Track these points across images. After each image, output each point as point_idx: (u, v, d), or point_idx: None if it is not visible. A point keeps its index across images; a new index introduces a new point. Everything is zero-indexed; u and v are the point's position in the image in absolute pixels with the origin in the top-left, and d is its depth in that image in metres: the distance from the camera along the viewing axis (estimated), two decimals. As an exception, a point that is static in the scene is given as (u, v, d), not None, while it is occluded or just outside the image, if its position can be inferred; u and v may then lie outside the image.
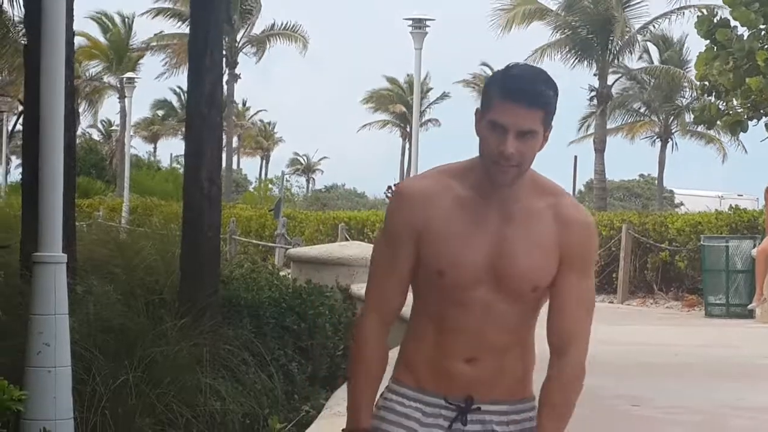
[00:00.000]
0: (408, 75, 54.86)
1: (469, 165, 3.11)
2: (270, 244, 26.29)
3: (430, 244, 3.05)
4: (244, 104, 63.83)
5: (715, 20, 19.94)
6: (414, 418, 3.10)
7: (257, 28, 49.24)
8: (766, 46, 18.52)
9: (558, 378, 3.07)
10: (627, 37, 39.06)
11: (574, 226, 3.07)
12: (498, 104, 2.92)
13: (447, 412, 3.09)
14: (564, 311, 3.06)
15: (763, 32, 18.95)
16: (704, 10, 21.18)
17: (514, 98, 2.89)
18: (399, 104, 68.62)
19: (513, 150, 2.88)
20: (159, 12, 47.86)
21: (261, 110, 68.86)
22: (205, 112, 10.28)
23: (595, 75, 41.66)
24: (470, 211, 3.07)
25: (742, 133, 20.69)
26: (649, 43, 43.14)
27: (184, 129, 12.14)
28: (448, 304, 3.05)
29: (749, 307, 15.07)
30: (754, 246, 15.68)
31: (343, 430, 3.20)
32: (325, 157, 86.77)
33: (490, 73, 42.50)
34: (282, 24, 49.93)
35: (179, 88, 52.05)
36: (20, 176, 10.08)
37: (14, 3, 11.02)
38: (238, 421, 7.84)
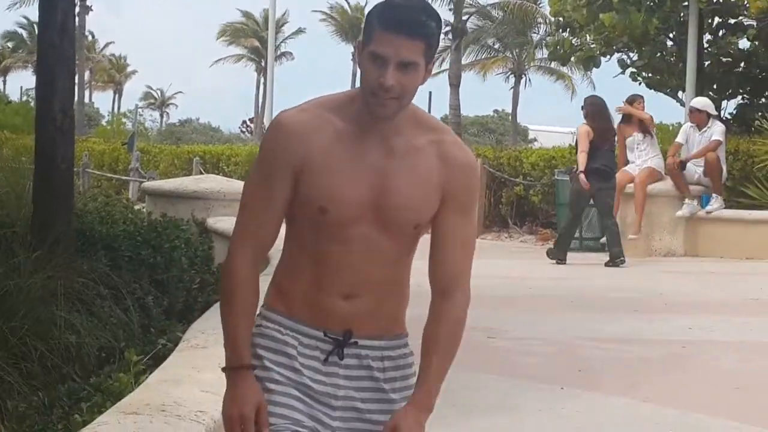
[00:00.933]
0: (264, 10, 53.25)
1: (348, 98, 3.12)
2: (124, 178, 25.91)
3: (311, 179, 3.04)
4: (92, 36, 62.83)
5: None
6: (292, 345, 3.12)
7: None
8: None
9: (445, 319, 3.11)
10: None
11: (457, 165, 3.10)
12: (378, 35, 2.91)
13: (324, 345, 3.12)
14: (447, 252, 3.11)
15: None
16: None
17: (395, 29, 2.89)
18: (253, 38, 67.85)
19: (393, 82, 2.88)
20: None
21: (110, 42, 68.92)
22: (57, 42, 10.01)
23: (450, 10, 42.26)
24: (351, 146, 3.07)
25: (595, 68, 20.99)
26: None
27: (35, 61, 11.78)
28: (328, 240, 3.06)
29: (602, 240, 15.12)
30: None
31: (223, 368, 3.17)
32: (179, 92, 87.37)
33: (346, 5, 42.62)
34: None
35: (27, 19, 50.83)
36: None
37: None
38: (93, 354, 7.55)
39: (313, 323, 3.13)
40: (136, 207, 14.21)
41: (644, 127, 15.14)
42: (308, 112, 3.11)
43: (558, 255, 14.48)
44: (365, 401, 3.16)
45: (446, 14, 42.06)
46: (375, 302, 3.10)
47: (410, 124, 3.09)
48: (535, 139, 40.81)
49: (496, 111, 65.65)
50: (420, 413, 3.07)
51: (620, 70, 19.93)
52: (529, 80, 47.77)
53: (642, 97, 15.99)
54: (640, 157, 15.21)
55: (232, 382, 3.11)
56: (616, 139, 15.06)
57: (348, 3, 45.62)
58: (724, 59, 19.73)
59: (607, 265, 13.81)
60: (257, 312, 3.24)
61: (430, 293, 3.14)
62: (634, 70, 19.80)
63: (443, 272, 3.11)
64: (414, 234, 3.09)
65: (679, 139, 15.42)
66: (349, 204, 3.01)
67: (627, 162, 15.30)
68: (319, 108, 3.13)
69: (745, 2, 17.31)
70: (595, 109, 14.58)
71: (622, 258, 13.70)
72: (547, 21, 26.80)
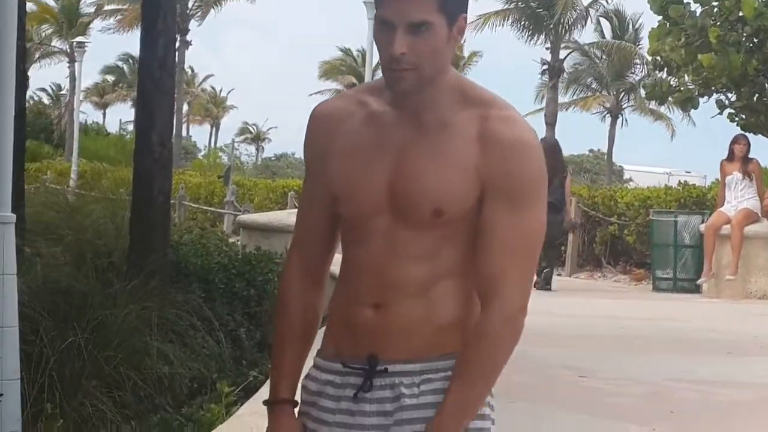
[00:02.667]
0: (362, 47, 54.04)
1: (387, 80, 2.74)
2: (219, 211, 26.34)
3: (329, 168, 2.75)
4: (192, 71, 65.39)
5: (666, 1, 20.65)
6: (328, 386, 2.76)
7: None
8: (717, 23, 18.50)
9: (476, 334, 2.67)
10: (578, 11, 39.41)
11: (500, 144, 2.62)
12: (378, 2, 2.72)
13: (354, 379, 2.73)
14: (485, 251, 2.64)
15: (715, 9, 18.89)
16: None
17: None
18: (350, 75, 69.35)
19: (403, 49, 2.53)
20: None
21: (210, 75, 71.48)
22: (157, 76, 10.24)
23: (547, 49, 42.10)
24: (379, 128, 2.74)
25: (692, 109, 20.80)
26: (602, 18, 43.67)
27: (135, 95, 12.12)
28: (351, 238, 2.78)
29: (698, 282, 15.15)
30: (702, 221, 15.69)
31: (264, 401, 2.90)
32: (274, 127, 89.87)
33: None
34: None
35: (128, 55, 53.29)
36: None
37: None
38: (185, 384, 7.86)
39: (340, 352, 2.78)
40: (231, 240, 14.45)
41: (746, 168, 14.97)
42: (344, 98, 2.98)
43: (542, 286, 14.71)
44: (389, 429, 2.68)
45: (543, 53, 42.58)
46: (408, 313, 2.68)
47: (452, 99, 2.70)
48: (631, 179, 39.30)
49: (591, 150, 66.16)
50: None
51: (718, 112, 19.53)
52: (626, 120, 48.06)
53: (746, 137, 15.81)
54: (737, 198, 15.05)
55: (269, 416, 2.84)
56: (566, 176, 15.24)
57: None
58: None
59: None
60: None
61: None
62: (732, 110, 19.43)
63: (480, 276, 2.66)
64: (437, 224, 2.63)
65: None
66: (360, 193, 2.68)
67: (724, 200, 15.24)
68: (360, 91, 2.99)
69: None
70: (546, 147, 15.19)
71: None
72: (645, 61, 26.59)
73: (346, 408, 2.68)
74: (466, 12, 2.67)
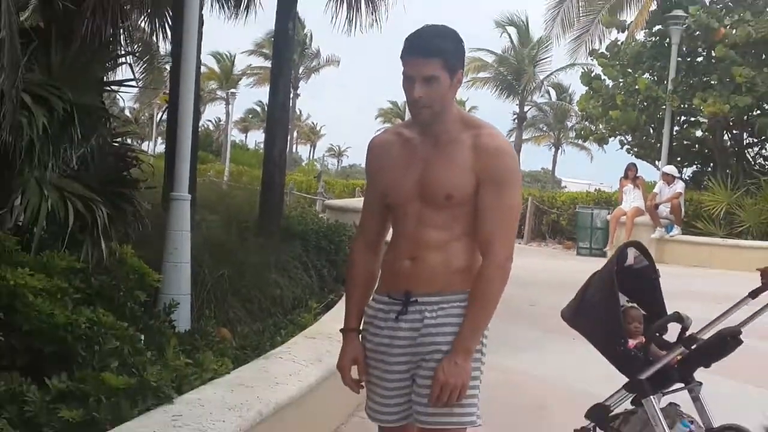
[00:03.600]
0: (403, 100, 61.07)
1: (412, 114, 3.43)
2: (313, 197, 29.59)
3: (380, 178, 3.49)
4: (299, 112, 77.04)
5: (592, 75, 25.27)
6: (379, 313, 3.53)
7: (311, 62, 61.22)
8: (622, 92, 23.32)
9: (479, 276, 3.32)
10: (535, 83, 50.65)
11: (486, 150, 3.32)
12: (404, 60, 3.26)
13: (395, 306, 3.44)
14: (482, 221, 3.32)
15: (621, 83, 23.87)
16: (585, 68, 27.16)
17: (413, 52, 3.24)
18: (398, 118, 74.45)
19: (420, 94, 3.22)
20: (252, 52, 61.10)
21: (310, 115, 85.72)
22: (278, 116, 12.24)
23: (516, 105, 51.64)
24: (411, 146, 3.43)
25: (605, 145, 26.36)
26: (550, 87, 54.39)
27: (265, 126, 15.10)
28: (395, 218, 3.49)
29: (604, 249, 19.28)
30: (609, 213, 20.16)
31: (340, 329, 3.63)
32: (349, 147, 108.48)
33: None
34: (326, 58, 63.20)
35: (261, 101, 65.47)
36: (164, 148, 12.13)
37: (165, 40, 12.63)
38: (289, 301, 8.92)
39: (389, 290, 3.48)
40: (320, 215, 15.81)
41: (635, 182, 19.73)
42: (388, 132, 3.64)
43: None
44: (418, 340, 3.44)
45: (515, 107, 51.43)
46: (432, 263, 3.39)
47: (457, 124, 3.39)
48: (566, 187, 47.30)
49: (542, 168, 76.50)
50: (457, 355, 3.26)
51: (620, 147, 24.92)
52: (564, 150, 60.23)
53: (635, 165, 20.81)
54: (629, 200, 19.68)
55: (343, 339, 3.58)
56: None
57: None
58: (685, 142, 24.34)
59: None
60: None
61: None
62: (628, 147, 24.72)
63: (479, 238, 3.33)
64: (449, 205, 3.36)
65: (656, 190, 19.16)
66: (400, 189, 3.41)
67: (622, 201, 19.91)
68: (398, 126, 3.63)
69: (701, 107, 20.83)
70: None
71: None
72: (576, 114, 33.37)
73: (390, 326, 3.43)
74: (462, 68, 3.34)
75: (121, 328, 5.46)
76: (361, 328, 3.54)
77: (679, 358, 4.86)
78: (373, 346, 3.46)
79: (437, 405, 3.24)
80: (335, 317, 7.38)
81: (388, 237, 3.63)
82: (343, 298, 4.28)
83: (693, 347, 4.82)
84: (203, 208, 10.23)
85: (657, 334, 4.96)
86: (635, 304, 5.10)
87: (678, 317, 4.87)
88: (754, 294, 4.97)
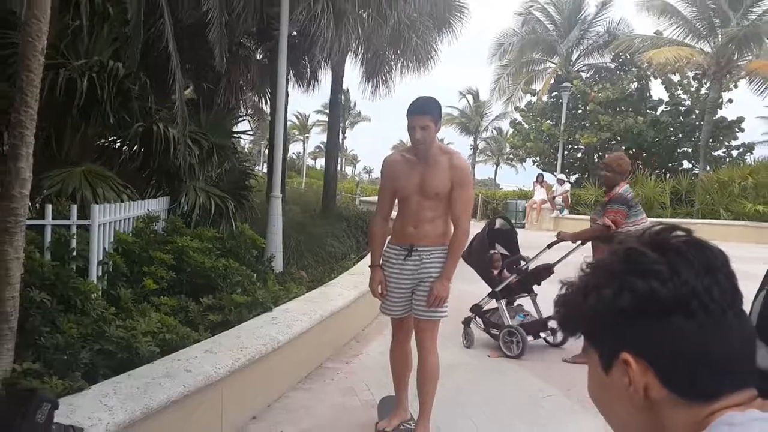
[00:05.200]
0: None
1: (413, 146, 3.41)
2: (354, 196, 28.74)
3: (393, 182, 3.49)
4: (346, 147, 74.35)
5: (516, 121, 25.32)
6: (393, 254, 3.50)
7: (353, 118, 57.90)
8: (533, 133, 23.62)
9: (454, 237, 3.39)
10: (482, 126, 48.18)
11: (456, 168, 3.35)
12: (410, 116, 3.29)
13: (404, 251, 3.46)
14: (454, 206, 3.37)
15: (533, 126, 23.98)
16: (512, 117, 26.86)
17: (413, 111, 3.28)
18: (404, 150, 75.90)
19: (419, 136, 3.27)
20: (318, 111, 55.43)
21: (352, 149, 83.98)
22: (332, 149, 12.46)
23: (472, 139, 48.60)
24: (411, 164, 3.43)
25: (524, 162, 26.33)
26: (492, 129, 50.69)
27: (325, 155, 15.41)
28: (402, 204, 3.50)
29: (523, 222, 18.47)
30: (525, 202, 19.78)
31: (369, 266, 3.61)
32: (375, 167, 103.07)
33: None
34: (362, 116, 59.85)
35: (323, 142, 61.64)
36: (266, 169, 11.48)
37: (266, 105, 12.91)
38: (339, 255, 8.79)
39: (399, 242, 3.49)
40: (358, 206, 15.76)
41: (542, 184, 19.15)
42: (396, 154, 3.58)
43: None
44: (417, 270, 3.44)
45: (471, 141, 48.25)
46: (426, 229, 3.43)
47: (438, 151, 3.39)
48: (502, 187, 44.99)
49: (488, 177, 70.58)
50: (443, 279, 3.34)
51: (533, 164, 24.84)
52: (501, 166, 56.57)
53: (542, 174, 20.28)
54: (538, 195, 19.18)
55: (371, 271, 3.57)
56: None
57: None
58: (571, 160, 24.13)
59: None
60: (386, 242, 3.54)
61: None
62: (538, 163, 24.41)
63: (453, 215, 3.40)
64: (436, 198, 3.37)
65: (554, 188, 18.84)
66: (406, 187, 3.43)
67: (534, 195, 19.39)
68: (402, 151, 3.57)
69: (580, 140, 21.63)
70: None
71: None
72: (508, 145, 32.53)
73: (400, 263, 3.44)
74: (440, 120, 3.41)
75: (242, 270, 5.50)
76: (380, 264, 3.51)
77: (516, 280, 5.48)
78: (388, 274, 3.45)
79: (431, 307, 3.33)
80: (365, 263, 7.26)
81: (393, 215, 3.64)
82: (368, 254, 4.35)
83: (524, 274, 5.52)
84: (289, 202, 10.32)
85: (514, 267, 5.64)
86: (498, 251, 5.72)
87: (520, 258, 5.66)
88: (550, 246, 5.47)
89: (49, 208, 4.18)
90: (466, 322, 5.44)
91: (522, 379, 4.49)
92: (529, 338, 5.15)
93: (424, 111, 3.23)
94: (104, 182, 5.22)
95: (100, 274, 4.35)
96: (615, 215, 4.75)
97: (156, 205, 5.88)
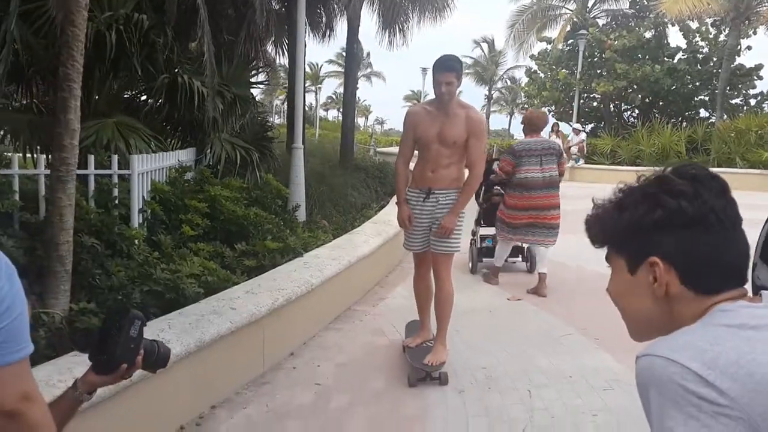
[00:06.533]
0: (420, 89, 57.63)
1: (436, 98, 3.64)
2: (368, 147, 27.86)
3: (415, 129, 3.71)
4: (359, 99, 74.63)
5: (531, 70, 25.07)
6: (413, 197, 3.78)
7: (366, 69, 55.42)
8: (549, 80, 23.32)
9: (469, 178, 3.68)
10: (497, 76, 47.78)
11: (472, 119, 3.59)
12: (436, 72, 3.52)
13: (423, 194, 3.73)
14: (470, 153, 3.63)
15: (548, 75, 23.81)
16: (527, 66, 26.71)
17: (440, 68, 3.50)
18: (416, 100, 70.83)
19: (444, 90, 3.51)
20: (331, 62, 55.80)
21: (365, 101, 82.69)
22: (348, 99, 12.33)
23: (487, 89, 48.25)
24: (432, 115, 3.66)
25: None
26: (507, 78, 50.20)
27: (341, 107, 15.33)
28: (423, 150, 3.72)
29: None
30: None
31: (395, 202, 3.92)
32: (388, 119, 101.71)
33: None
34: (372, 66, 57.86)
35: (337, 92, 61.70)
36: (286, 119, 11.27)
37: (282, 56, 12.72)
38: (359, 205, 8.92)
39: (419, 186, 3.75)
40: (374, 158, 15.61)
41: (557, 133, 17.65)
42: (418, 106, 3.80)
43: None
44: (434, 210, 3.72)
45: (485, 91, 47.62)
46: (443, 174, 3.68)
47: (456, 105, 3.62)
48: (516, 138, 45.40)
49: (503, 128, 68.66)
50: (451, 214, 3.65)
51: (548, 113, 22.65)
52: (515, 116, 53.88)
53: (557, 123, 18.65)
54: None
55: (398, 207, 3.85)
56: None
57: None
58: (587, 109, 23.60)
59: None
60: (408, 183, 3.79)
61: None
62: (553, 113, 23.53)
63: (469, 161, 3.67)
64: (454, 146, 3.63)
65: (569, 138, 18.15)
66: (426, 136, 3.67)
67: None
68: (424, 103, 3.79)
69: (596, 88, 21.36)
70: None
71: None
72: (522, 94, 31.56)
73: (420, 204, 3.71)
74: (462, 76, 3.58)
75: (270, 218, 5.66)
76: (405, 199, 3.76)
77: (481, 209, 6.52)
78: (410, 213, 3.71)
79: (440, 237, 3.64)
80: (387, 212, 7.56)
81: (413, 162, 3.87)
82: (391, 200, 4.32)
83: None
84: (308, 154, 10.17)
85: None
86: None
87: (499, 192, 6.26)
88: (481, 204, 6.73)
89: (91, 158, 4.36)
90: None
91: (542, 320, 4.72)
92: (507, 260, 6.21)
93: (450, 68, 3.45)
94: (135, 133, 5.37)
95: (141, 221, 4.56)
96: (502, 163, 5.62)
97: (185, 156, 5.99)
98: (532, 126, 5.60)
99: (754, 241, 1.41)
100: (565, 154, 5.93)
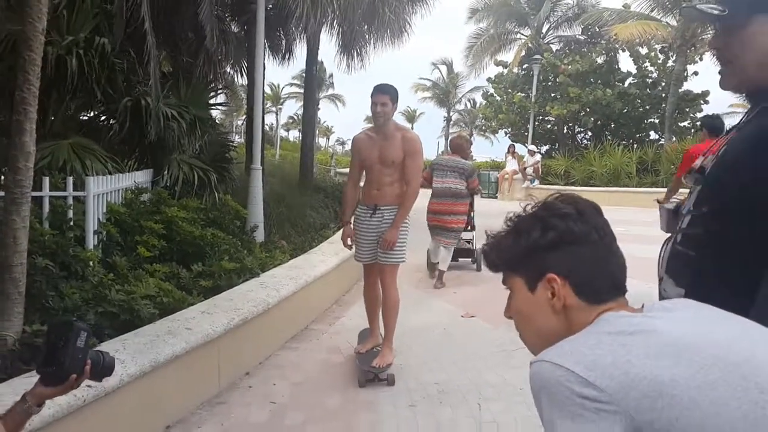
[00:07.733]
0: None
1: (374, 122, 3.90)
2: (328, 167, 28.31)
3: (359, 153, 4.03)
4: (320, 119, 73.80)
5: (488, 93, 25.46)
6: (362, 213, 4.01)
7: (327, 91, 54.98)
8: (505, 105, 23.61)
9: (407, 194, 3.91)
10: (456, 98, 47.64)
11: (407, 139, 3.88)
12: (372, 96, 3.82)
13: (370, 210, 3.99)
14: (407, 172, 3.90)
15: (504, 98, 24.00)
16: (484, 89, 26.71)
17: (376, 91, 3.81)
18: (371, 124, 74.25)
19: (379, 110, 3.79)
20: (291, 84, 54.28)
21: (325, 121, 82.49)
22: (308, 121, 12.33)
23: (446, 111, 48.45)
24: (373, 139, 3.95)
25: (496, 134, 26.79)
26: (466, 101, 49.94)
27: (301, 127, 15.25)
28: (368, 172, 4.00)
29: (497, 194, 18.42)
30: (498, 173, 19.66)
31: (339, 223, 4.30)
32: (348, 139, 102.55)
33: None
34: (333, 85, 56.47)
35: (297, 114, 59.20)
36: (245, 140, 10.91)
37: (241, 77, 12.26)
38: (318, 225, 8.51)
39: (366, 202, 4.03)
40: (334, 178, 15.66)
41: (513, 155, 19.34)
42: (361, 133, 4.10)
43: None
44: (380, 225, 3.97)
45: (445, 113, 47.62)
46: (386, 191, 3.95)
47: (393, 128, 3.92)
48: (475, 159, 45.94)
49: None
50: (392, 228, 3.91)
51: (504, 135, 24.97)
52: (475, 138, 51.77)
53: (513, 145, 20.21)
54: (509, 166, 19.17)
55: (343, 227, 4.12)
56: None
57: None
58: (541, 131, 23.84)
59: None
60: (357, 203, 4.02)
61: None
62: (509, 135, 24.38)
63: (406, 178, 3.92)
64: (393, 165, 3.90)
65: (525, 159, 19.10)
66: (369, 158, 3.97)
67: (507, 166, 19.29)
68: (366, 129, 4.08)
69: (551, 111, 21.87)
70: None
71: None
72: (480, 116, 32.02)
73: (367, 219, 3.96)
74: (397, 102, 3.84)
75: (228, 239, 5.72)
76: (351, 221, 4.07)
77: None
78: (358, 229, 4.03)
79: (384, 250, 3.90)
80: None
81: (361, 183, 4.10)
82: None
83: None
84: (267, 174, 10.01)
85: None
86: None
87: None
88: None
89: (46, 180, 4.36)
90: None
91: (495, 336, 4.86)
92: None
93: (384, 91, 3.76)
94: (92, 154, 5.38)
95: (96, 242, 4.56)
96: (423, 173, 5.71)
97: (142, 177, 5.97)
98: (451, 147, 6.97)
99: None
100: (476, 175, 6.91)
